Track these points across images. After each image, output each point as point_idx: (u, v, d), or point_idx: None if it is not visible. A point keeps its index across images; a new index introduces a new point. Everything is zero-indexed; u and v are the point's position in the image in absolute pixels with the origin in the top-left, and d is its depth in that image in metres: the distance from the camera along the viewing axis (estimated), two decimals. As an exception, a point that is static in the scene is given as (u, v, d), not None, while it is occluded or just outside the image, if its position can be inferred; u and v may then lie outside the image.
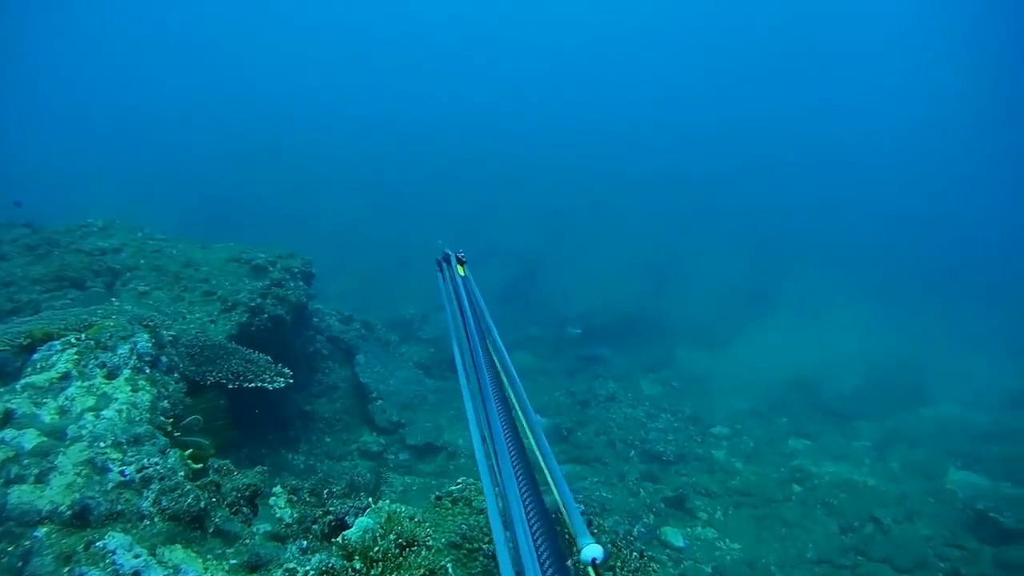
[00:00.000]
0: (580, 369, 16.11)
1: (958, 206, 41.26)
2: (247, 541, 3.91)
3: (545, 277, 23.70)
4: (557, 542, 1.53)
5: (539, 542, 1.51)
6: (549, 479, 1.85)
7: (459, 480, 4.19)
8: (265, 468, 4.67)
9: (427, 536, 3.48)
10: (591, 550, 1.46)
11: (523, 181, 39.15)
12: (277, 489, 4.45)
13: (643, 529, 9.62)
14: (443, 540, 3.53)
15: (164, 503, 3.84)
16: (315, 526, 4.12)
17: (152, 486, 3.94)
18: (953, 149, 51.78)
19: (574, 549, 1.51)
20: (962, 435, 13.56)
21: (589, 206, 34.66)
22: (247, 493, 4.29)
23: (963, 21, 49.56)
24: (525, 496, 1.67)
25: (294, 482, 4.70)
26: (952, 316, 22.04)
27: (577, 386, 14.78)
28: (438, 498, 4.03)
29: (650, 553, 4.09)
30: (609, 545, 3.81)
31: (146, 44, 61.84)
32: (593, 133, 53.30)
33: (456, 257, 3.63)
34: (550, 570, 1.45)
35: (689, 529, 10.01)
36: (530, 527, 1.55)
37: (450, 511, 3.86)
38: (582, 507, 4.11)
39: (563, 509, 1.68)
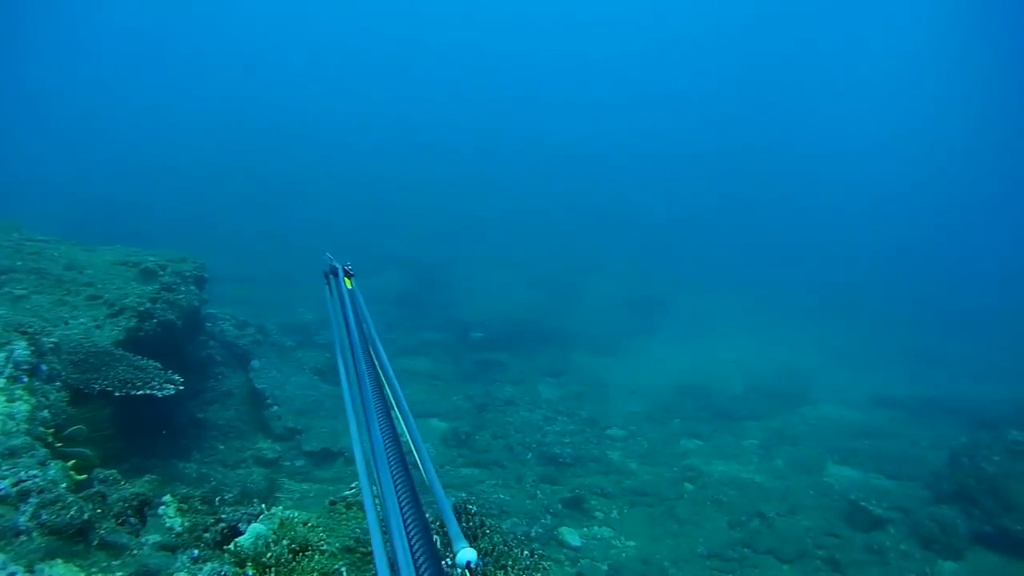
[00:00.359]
0: (479, 374, 16.24)
1: (863, 229, 44.16)
2: (135, 552, 3.81)
3: (445, 284, 23.82)
4: (435, 550, 1.61)
5: (417, 550, 1.58)
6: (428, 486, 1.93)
7: (353, 485, 4.21)
8: (154, 477, 4.57)
9: (321, 541, 3.51)
10: (465, 554, 1.56)
11: (428, 192, 39.53)
12: (167, 498, 4.34)
13: (540, 530, 9.80)
14: (337, 544, 3.55)
15: (44, 517, 3.69)
16: (207, 534, 4.06)
17: (30, 500, 3.77)
18: (863, 171, 55.42)
19: (450, 554, 1.60)
20: (839, 432, 14.49)
21: (493, 217, 35.30)
22: (135, 503, 4.16)
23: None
24: (404, 506, 1.74)
25: (185, 490, 4.60)
26: (836, 330, 23.54)
27: (475, 390, 14.90)
28: (332, 503, 4.05)
29: (542, 552, 4.23)
30: (501, 545, 3.93)
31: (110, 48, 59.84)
32: (504, 152, 54.42)
33: (344, 270, 3.60)
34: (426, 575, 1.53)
35: (586, 529, 10.25)
36: (408, 536, 1.62)
37: (344, 516, 3.88)
38: (475, 506, 4.22)
39: (440, 516, 1.76)
